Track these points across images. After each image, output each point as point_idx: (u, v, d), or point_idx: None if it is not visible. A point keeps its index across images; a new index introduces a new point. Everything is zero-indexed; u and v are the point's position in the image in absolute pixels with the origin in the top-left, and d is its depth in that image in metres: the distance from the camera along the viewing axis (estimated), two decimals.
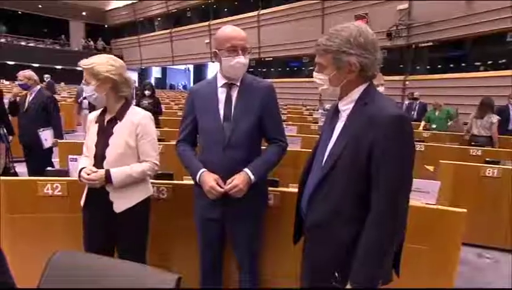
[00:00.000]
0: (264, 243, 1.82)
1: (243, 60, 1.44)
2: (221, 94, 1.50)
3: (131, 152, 1.53)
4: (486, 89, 8.52)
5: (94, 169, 1.48)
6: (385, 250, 0.99)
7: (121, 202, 1.52)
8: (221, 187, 1.41)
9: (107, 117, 1.56)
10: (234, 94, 1.50)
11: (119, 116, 1.54)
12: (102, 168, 1.49)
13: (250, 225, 1.55)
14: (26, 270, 1.75)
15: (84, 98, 5.84)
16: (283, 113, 8.00)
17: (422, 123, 6.10)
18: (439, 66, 10.78)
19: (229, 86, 1.50)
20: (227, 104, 1.49)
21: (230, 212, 1.49)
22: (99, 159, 1.51)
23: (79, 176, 1.51)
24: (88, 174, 1.46)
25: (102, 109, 1.60)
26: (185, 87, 24.02)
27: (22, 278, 1.81)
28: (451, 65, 10.48)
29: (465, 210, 1.62)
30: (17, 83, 3.57)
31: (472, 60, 9.88)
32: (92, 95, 1.52)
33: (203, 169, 1.45)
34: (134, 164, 1.54)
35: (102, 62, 1.50)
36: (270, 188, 1.80)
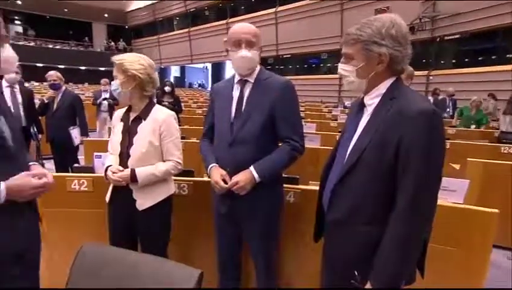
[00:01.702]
0: (284, 242, 1.81)
1: (245, 53, 1.42)
2: (235, 91, 1.51)
3: (155, 151, 1.55)
4: None
5: (120, 168, 1.52)
6: (408, 249, 0.95)
7: (144, 200, 1.55)
8: (225, 183, 1.43)
9: (132, 116, 1.59)
10: (247, 91, 1.49)
11: (144, 115, 1.57)
12: (127, 166, 1.52)
13: (261, 223, 1.53)
14: (57, 259, 1.85)
15: (104, 99, 6.02)
16: (301, 111, 7.91)
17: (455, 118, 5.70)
18: (467, 60, 10.27)
19: (243, 82, 1.50)
20: (239, 101, 1.49)
21: (238, 208, 1.49)
22: (124, 158, 1.55)
23: (105, 174, 1.55)
24: (114, 173, 1.50)
25: (127, 107, 1.63)
26: (201, 85, 24.32)
27: (53, 267, 1.91)
28: (480, 58, 9.95)
29: (496, 210, 1.53)
30: (47, 83, 3.74)
31: (503, 52, 9.34)
32: (116, 90, 1.56)
33: (214, 164, 1.50)
34: (158, 163, 1.56)
35: (133, 60, 1.54)
36: (290, 186, 1.79)
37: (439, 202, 1.61)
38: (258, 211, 1.50)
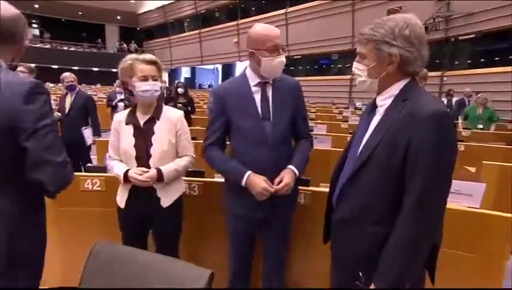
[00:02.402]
0: (294, 243, 1.80)
1: (283, 59, 1.43)
2: (256, 93, 1.48)
3: (173, 149, 1.60)
4: None
5: (145, 169, 1.51)
6: (414, 251, 0.93)
7: (167, 197, 1.59)
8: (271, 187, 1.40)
9: (142, 117, 1.58)
10: (269, 92, 1.49)
11: (157, 115, 1.58)
12: (149, 167, 1.53)
13: (281, 224, 1.56)
14: (71, 257, 1.88)
15: (120, 100, 6.07)
16: (312, 112, 7.88)
17: (460, 121, 5.55)
18: (482, 60, 10.01)
19: (263, 84, 1.49)
20: (264, 103, 1.47)
21: (273, 212, 1.49)
22: (143, 159, 1.54)
23: (125, 179, 1.51)
24: (140, 175, 1.49)
25: (129, 110, 1.61)
26: (211, 86, 24.50)
27: (67, 266, 1.95)
28: (497, 58, 9.67)
29: None
30: (62, 85, 3.84)
31: None
32: (157, 91, 1.55)
33: (249, 171, 1.41)
34: (177, 159, 1.61)
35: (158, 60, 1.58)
36: (301, 188, 1.78)
37: (454, 206, 1.58)
38: (281, 212, 1.51)
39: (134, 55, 1.57)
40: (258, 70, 1.45)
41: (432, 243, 0.98)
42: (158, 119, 1.58)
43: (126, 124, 1.58)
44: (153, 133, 1.56)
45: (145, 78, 1.52)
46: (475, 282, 1.54)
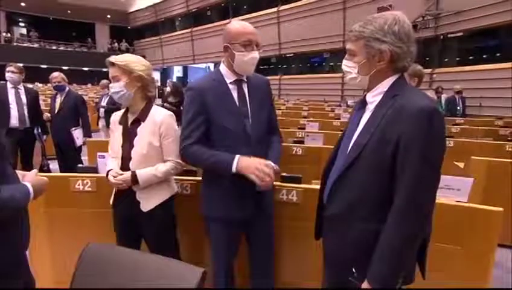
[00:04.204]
0: (286, 241, 1.81)
1: (256, 55, 1.43)
2: (233, 91, 1.47)
3: (156, 152, 1.55)
4: None
5: (120, 172, 1.52)
6: (404, 250, 0.95)
7: (148, 201, 1.56)
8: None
9: (130, 118, 1.58)
10: (245, 90, 1.49)
11: (142, 117, 1.56)
12: (129, 169, 1.52)
13: (268, 222, 1.57)
14: (62, 258, 1.86)
15: (102, 106, 5.84)
16: (304, 110, 7.92)
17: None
18: (471, 58, 10.18)
19: (238, 82, 1.48)
20: (241, 100, 1.46)
21: (256, 210, 1.47)
22: (126, 160, 1.54)
23: (107, 178, 1.56)
24: (114, 177, 1.51)
25: (124, 109, 1.62)
26: None
27: (59, 266, 1.93)
28: (485, 56, 9.85)
29: (501, 209, 1.52)
30: (51, 84, 3.78)
31: (508, 50, 9.24)
32: (120, 92, 1.50)
33: (237, 155, 1.35)
34: (159, 164, 1.55)
35: (135, 60, 1.54)
36: (293, 185, 1.79)
37: (443, 200, 1.61)
38: (264, 210, 1.51)
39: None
40: (231, 66, 1.45)
41: (422, 238, 1.00)
42: (143, 121, 1.55)
43: (119, 123, 1.60)
44: (136, 135, 1.54)
45: (112, 80, 1.54)
46: (464, 274, 1.57)
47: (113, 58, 1.52)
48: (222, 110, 1.42)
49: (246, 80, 1.50)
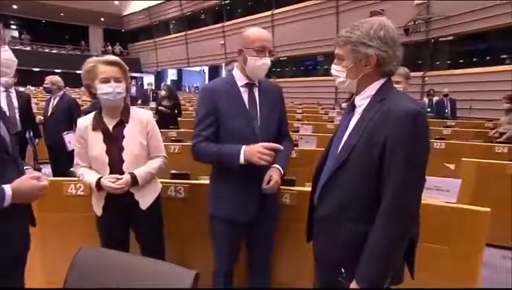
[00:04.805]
0: (280, 242, 1.82)
1: (268, 61, 1.47)
2: (244, 94, 1.52)
3: (145, 151, 1.57)
4: None
5: (118, 176, 1.47)
6: (391, 251, 0.97)
7: (145, 199, 1.58)
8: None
9: (110, 121, 1.53)
10: (256, 94, 1.53)
11: (125, 118, 1.54)
12: (122, 172, 1.49)
13: (270, 225, 1.60)
14: (55, 264, 1.84)
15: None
16: (298, 113, 7.96)
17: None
18: (461, 61, 10.37)
19: (250, 85, 1.52)
20: (251, 103, 1.51)
21: (259, 211, 1.50)
22: (115, 165, 1.50)
23: (98, 187, 1.47)
24: (113, 183, 1.45)
25: (95, 113, 1.54)
26: (198, 88, 24.33)
27: (51, 272, 1.91)
28: (475, 59, 10.05)
29: (488, 209, 1.56)
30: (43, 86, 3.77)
31: (497, 53, 9.44)
32: (122, 93, 1.49)
33: (243, 146, 1.38)
34: (150, 162, 1.58)
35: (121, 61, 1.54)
36: (287, 187, 1.81)
37: (432, 201, 1.64)
38: (268, 212, 1.54)
39: (96, 58, 1.53)
40: (244, 70, 1.50)
41: (408, 239, 1.02)
42: (127, 122, 1.54)
43: (93, 130, 1.51)
44: (123, 137, 1.52)
45: (106, 80, 1.46)
46: (452, 274, 1.60)
47: (114, 58, 1.50)
48: (232, 112, 1.48)
49: (258, 84, 1.54)
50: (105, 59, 1.49)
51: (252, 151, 1.37)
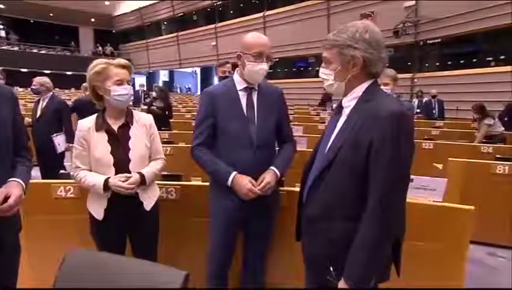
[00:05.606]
0: (272, 243, 1.84)
1: (265, 67, 1.50)
2: (243, 97, 1.55)
3: (148, 152, 1.61)
4: (500, 84, 8.37)
5: (128, 175, 1.47)
6: (377, 249, 0.99)
7: (149, 199, 1.59)
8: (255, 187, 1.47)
9: (114, 122, 1.54)
10: (254, 98, 1.56)
11: (130, 120, 1.58)
12: (127, 172, 1.49)
13: (268, 223, 1.63)
14: (43, 267, 1.82)
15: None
16: (290, 114, 7.99)
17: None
18: (449, 63, 10.59)
19: (249, 89, 1.56)
20: (249, 106, 1.55)
21: (256, 212, 1.54)
22: (121, 165, 1.50)
23: (105, 188, 1.44)
24: (124, 182, 1.44)
25: (96, 116, 1.55)
26: (190, 89, 24.23)
27: (40, 275, 1.88)
28: (462, 61, 10.28)
29: (472, 207, 1.60)
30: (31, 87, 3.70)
31: (483, 56, 9.68)
32: (131, 95, 1.57)
33: (235, 172, 1.47)
34: (153, 162, 1.62)
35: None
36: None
37: (418, 200, 1.68)
38: (267, 211, 1.58)
39: (104, 60, 1.57)
40: (243, 74, 1.54)
41: (394, 237, 1.04)
42: (132, 124, 1.58)
43: (97, 130, 1.51)
44: (129, 138, 1.54)
45: (120, 82, 1.50)
46: (439, 271, 1.64)
47: (125, 62, 1.55)
48: (229, 114, 1.53)
49: (257, 88, 1.57)
50: (117, 62, 1.54)
51: (242, 184, 1.45)
